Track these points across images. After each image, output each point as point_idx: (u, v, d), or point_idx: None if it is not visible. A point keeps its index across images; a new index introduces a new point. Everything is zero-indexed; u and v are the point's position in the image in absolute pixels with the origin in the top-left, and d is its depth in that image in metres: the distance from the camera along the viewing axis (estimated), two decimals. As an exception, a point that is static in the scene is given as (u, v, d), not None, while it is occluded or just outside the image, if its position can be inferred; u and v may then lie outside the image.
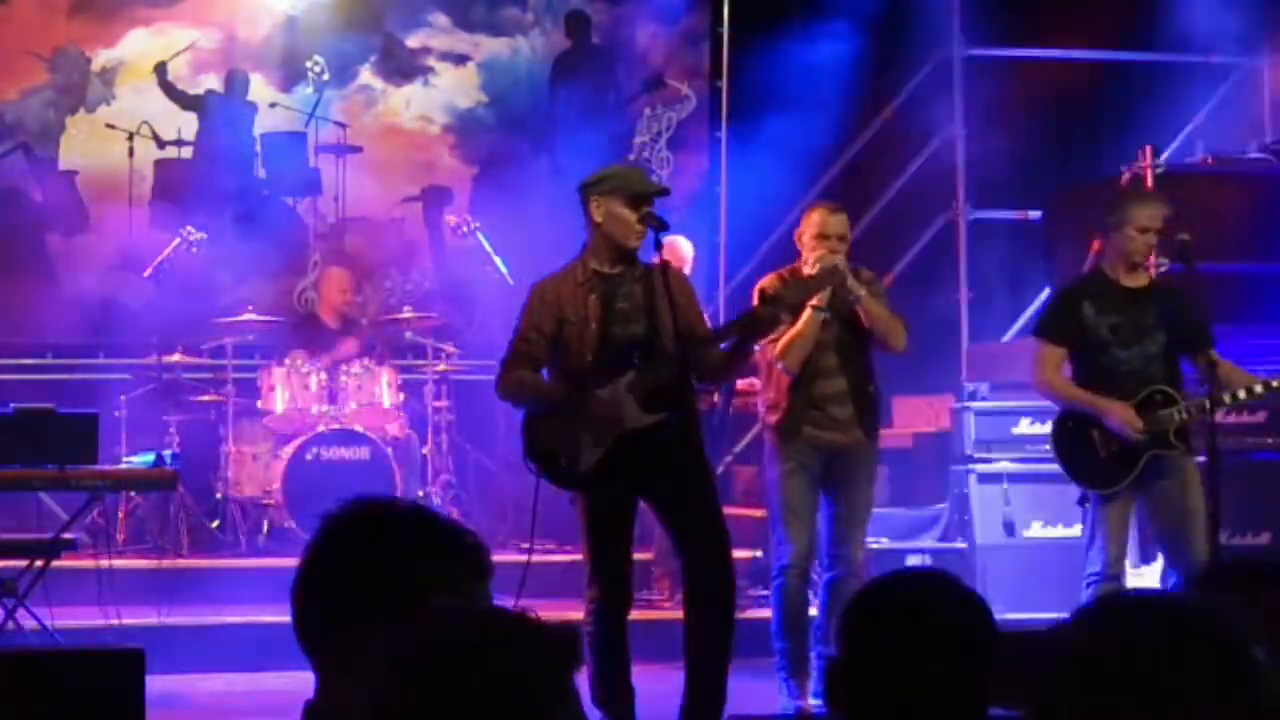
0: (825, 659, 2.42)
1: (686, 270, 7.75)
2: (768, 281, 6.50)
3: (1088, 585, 6.45)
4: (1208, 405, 6.20)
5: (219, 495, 9.26)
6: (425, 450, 9.58)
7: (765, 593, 7.20)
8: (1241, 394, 6.33)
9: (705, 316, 6.04)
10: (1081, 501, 6.47)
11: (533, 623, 1.69)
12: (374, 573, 2.10)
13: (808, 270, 6.36)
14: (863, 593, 2.41)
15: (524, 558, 5.83)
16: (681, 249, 8.29)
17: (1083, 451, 6.42)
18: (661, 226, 5.65)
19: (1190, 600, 1.57)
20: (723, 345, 5.79)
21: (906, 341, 6.53)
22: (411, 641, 1.68)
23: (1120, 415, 6.31)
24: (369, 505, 2.18)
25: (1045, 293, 10.17)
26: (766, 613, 6.70)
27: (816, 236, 6.43)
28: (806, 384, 6.46)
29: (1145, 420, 6.29)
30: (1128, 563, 6.75)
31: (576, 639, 1.70)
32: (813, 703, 6.52)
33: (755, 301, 6.33)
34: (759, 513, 8.63)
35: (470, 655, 1.65)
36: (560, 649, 1.68)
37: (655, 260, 5.72)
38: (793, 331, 6.33)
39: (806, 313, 6.31)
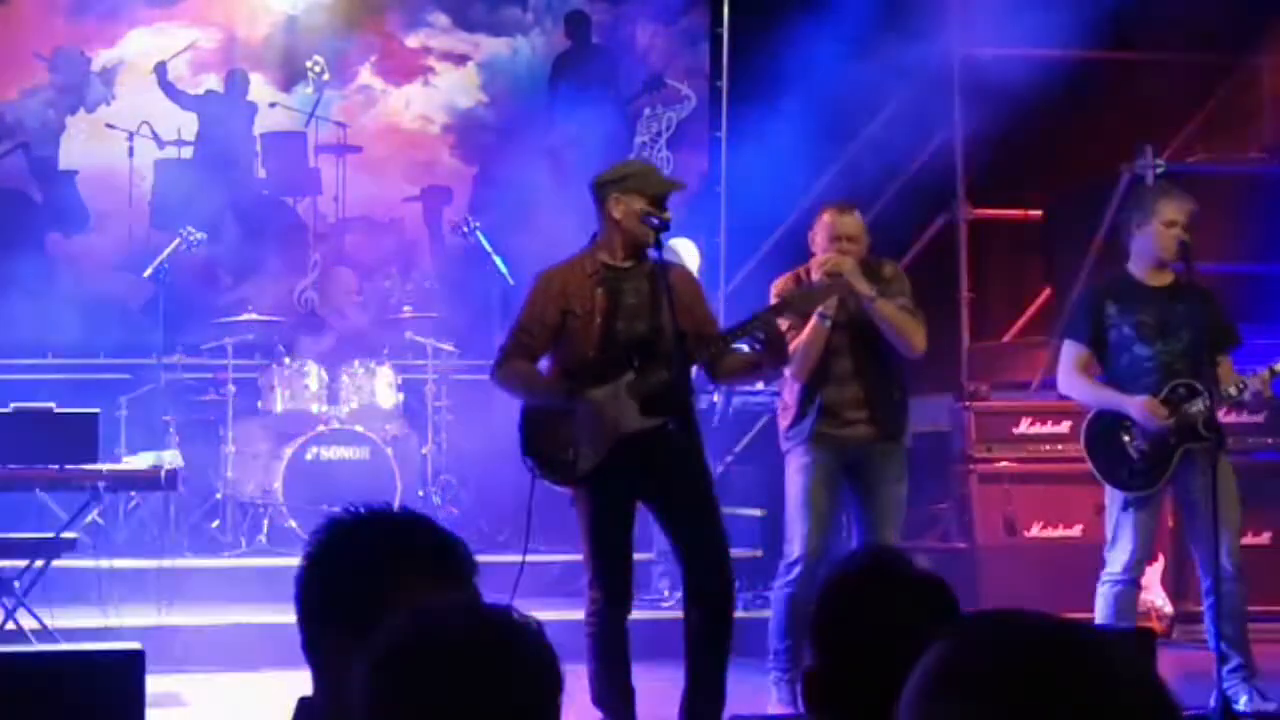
0: (803, 668, 2.40)
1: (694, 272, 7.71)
2: (781, 283, 6.45)
3: (1103, 584, 6.44)
4: (1211, 405, 6.20)
5: (219, 495, 9.26)
6: (425, 450, 9.58)
7: (766, 592, 7.19)
8: (1232, 390, 6.33)
9: (714, 316, 5.99)
10: (1125, 506, 6.43)
11: (520, 626, 1.70)
12: (359, 578, 2.15)
13: (815, 275, 6.31)
14: (828, 597, 2.39)
15: (526, 558, 5.82)
16: (688, 252, 8.28)
17: (1115, 454, 6.41)
18: (662, 227, 5.64)
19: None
20: (737, 345, 5.75)
21: (924, 341, 6.41)
22: (399, 638, 1.69)
23: (1143, 406, 6.30)
24: (357, 514, 2.22)
25: (1045, 293, 10.21)
26: (767, 612, 6.67)
27: (829, 239, 6.36)
28: (819, 389, 6.35)
29: (1172, 413, 6.29)
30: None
31: (555, 657, 1.71)
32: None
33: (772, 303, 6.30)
34: (759, 512, 8.65)
35: (461, 652, 1.65)
36: (546, 658, 1.68)
37: (657, 257, 5.70)
38: (799, 339, 6.22)
39: (812, 320, 6.24)
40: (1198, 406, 6.25)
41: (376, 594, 2.10)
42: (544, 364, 5.80)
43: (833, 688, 2.29)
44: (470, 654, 1.65)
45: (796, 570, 6.33)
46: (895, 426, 6.45)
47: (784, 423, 6.49)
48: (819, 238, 6.42)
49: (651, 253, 5.71)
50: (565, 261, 5.82)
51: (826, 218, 6.43)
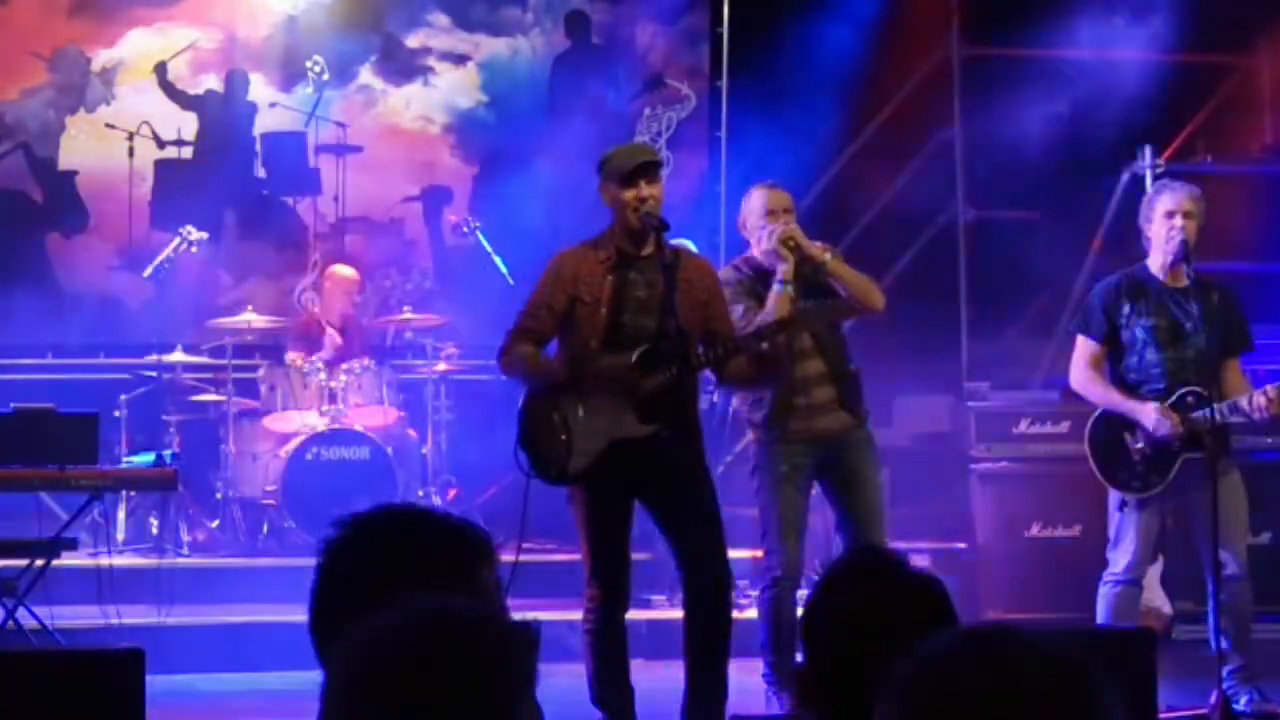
0: (795, 667, 2.41)
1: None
2: (724, 274, 6.32)
3: (1105, 584, 6.44)
4: (1216, 410, 6.18)
5: (219, 495, 9.26)
6: (425, 450, 9.58)
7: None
8: (1243, 402, 6.28)
9: (729, 315, 5.91)
10: (1121, 506, 6.43)
11: (492, 619, 1.70)
12: (373, 576, 2.13)
13: (764, 246, 6.19)
14: (820, 596, 2.39)
15: (525, 558, 5.82)
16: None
17: (1116, 454, 6.40)
18: (662, 228, 5.63)
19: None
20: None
21: (882, 299, 6.30)
22: (366, 637, 1.69)
23: (1153, 414, 6.29)
24: (372, 512, 2.21)
25: (1045, 293, 10.20)
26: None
27: (765, 214, 6.27)
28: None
29: (1180, 420, 6.28)
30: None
31: (534, 638, 1.71)
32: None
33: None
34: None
35: (425, 650, 1.65)
36: (517, 647, 1.68)
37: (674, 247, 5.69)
38: (764, 314, 6.06)
39: (774, 289, 6.12)
40: (1204, 416, 6.23)
41: (393, 589, 2.09)
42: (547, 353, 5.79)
43: (824, 687, 2.29)
44: (410, 655, 1.65)
45: (782, 583, 6.21)
46: (860, 407, 6.36)
47: (756, 415, 6.33)
48: (752, 216, 6.31)
49: (670, 242, 5.69)
50: (584, 243, 5.79)
51: (758, 196, 6.35)
